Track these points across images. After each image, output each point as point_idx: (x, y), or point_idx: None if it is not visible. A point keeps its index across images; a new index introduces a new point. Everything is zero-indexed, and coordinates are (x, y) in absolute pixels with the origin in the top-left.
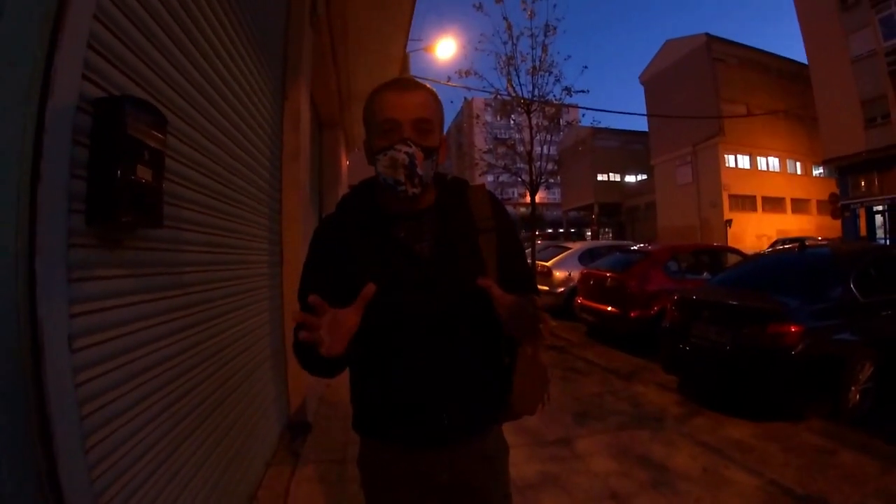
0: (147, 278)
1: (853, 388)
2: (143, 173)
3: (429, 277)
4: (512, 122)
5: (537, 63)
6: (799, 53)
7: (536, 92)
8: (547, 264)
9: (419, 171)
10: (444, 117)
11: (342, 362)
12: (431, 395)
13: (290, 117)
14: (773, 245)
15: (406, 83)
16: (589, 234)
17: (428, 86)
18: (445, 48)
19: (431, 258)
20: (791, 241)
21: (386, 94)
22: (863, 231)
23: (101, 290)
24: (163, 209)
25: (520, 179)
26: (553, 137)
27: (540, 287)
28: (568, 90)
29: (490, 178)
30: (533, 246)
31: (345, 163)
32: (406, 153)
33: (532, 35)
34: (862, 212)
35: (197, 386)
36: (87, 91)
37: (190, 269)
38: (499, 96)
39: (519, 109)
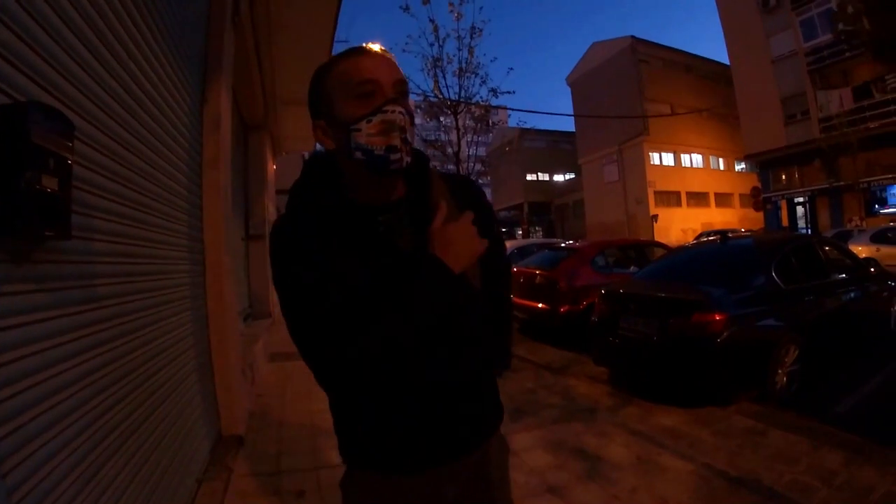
0: (57, 292)
1: (779, 372)
2: (49, 182)
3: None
4: (440, 123)
5: (464, 65)
6: (721, 54)
7: (463, 93)
8: None
9: (409, 136)
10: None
11: None
12: (439, 407)
13: (210, 120)
14: (697, 238)
15: (373, 46)
16: (520, 232)
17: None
18: None
19: (415, 253)
20: (715, 233)
21: (354, 57)
22: (785, 222)
23: (9, 306)
24: (71, 219)
25: None
26: (481, 139)
27: None
28: (494, 91)
29: None
30: None
31: (272, 167)
32: (401, 112)
33: (458, 37)
34: (783, 204)
35: (117, 403)
36: None
37: (103, 281)
38: (426, 98)
39: (446, 111)
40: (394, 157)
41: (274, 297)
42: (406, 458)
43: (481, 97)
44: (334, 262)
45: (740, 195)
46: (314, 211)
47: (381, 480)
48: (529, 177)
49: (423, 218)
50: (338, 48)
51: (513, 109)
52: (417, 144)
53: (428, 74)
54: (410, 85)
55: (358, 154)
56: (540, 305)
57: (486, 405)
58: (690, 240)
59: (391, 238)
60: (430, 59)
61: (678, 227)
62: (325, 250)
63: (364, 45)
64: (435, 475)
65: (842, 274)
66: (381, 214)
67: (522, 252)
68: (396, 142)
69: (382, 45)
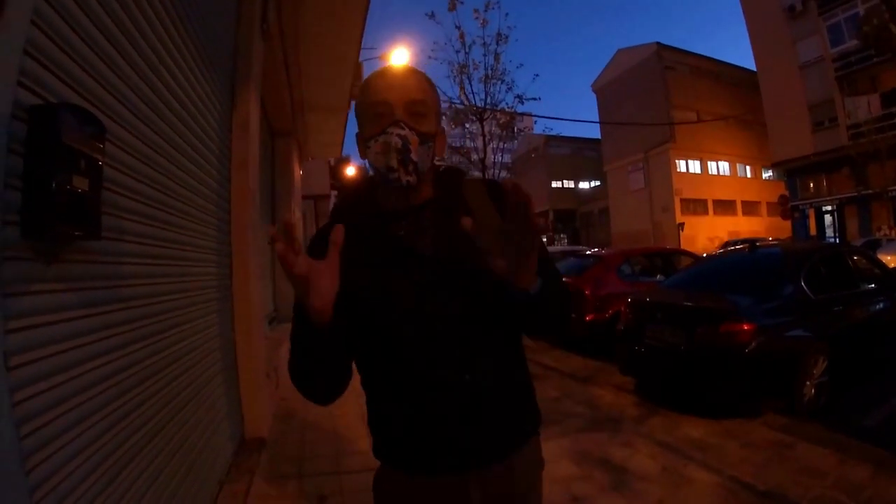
0: (86, 292)
1: (808, 383)
2: (80, 183)
3: (434, 278)
4: (465, 130)
5: (489, 71)
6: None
7: (489, 100)
8: None
9: (413, 156)
10: (440, 105)
11: (336, 363)
12: (459, 417)
13: (239, 125)
14: (723, 246)
15: (397, 67)
16: (545, 240)
17: (420, 71)
18: (399, 57)
19: (435, 257)
20: (741, 242)
21: (376, 78)
22: (812, 231)
23: (39, 305)
24: (101, 220)
25: None
26: (506, 145)
27: None
28: (520, 98)
29: None
30: None
31: (298, 172)
32: (399, 136)
33: (484, 43)
34: (811, 212)
35: (143, 403)
36: (23, 98)
37: (132, 282)
38: (452, 105)
39: (472, 118)
40: (392, 176)
41: None
42: (432, 461)
43: (507, 103)
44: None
45: (767, 203)
46: (343, 219)
47: (409, 480)
48: (555, 184)
49: (446, 222)
50: (364, 55)
51: (538, 116)
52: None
53: (454, 81)
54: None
55: (372, 168)
56: None
57: (515, 411)
58: (716, 248)
59: (411, 242)
60: (457, 66)
61: (705, 235)
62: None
63: (391, 64)
64: (461, 479)
65: (871, 284)
66: (404, 219)
67: None
68: (393, 163)
69: (409, 51)
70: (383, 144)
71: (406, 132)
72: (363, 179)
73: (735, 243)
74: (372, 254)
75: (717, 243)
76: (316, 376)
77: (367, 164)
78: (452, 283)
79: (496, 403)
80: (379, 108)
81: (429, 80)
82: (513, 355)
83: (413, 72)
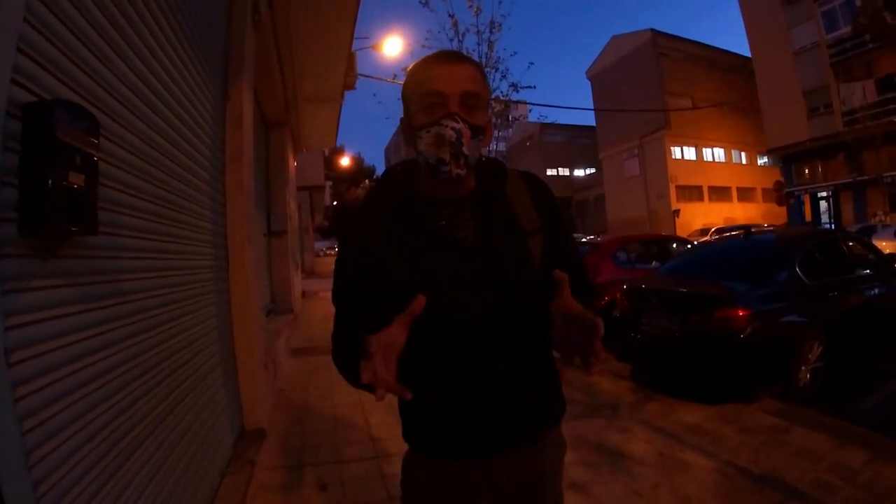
0: (84, 287)
1: (803, 368)
2: (76, 179)
3: (475, 270)
4: None
5: (483, 59)
6: (742, 47)
7: None
8: None
9: (465, 150)
10: (490, 96)
11: None
12: (488, 404)
13: (232, 117)
14: (717, 233)
15: (452, 54)
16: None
17: (473, 59)
18: (392, 46)
19: (476, 249)
20: (732, 229)
21: (430, 65)
22: (808, 217)
23: (37, 301)
24: (97, 215)
25: None
26: (501, 134)
27: None
28: (515, 86)
29: None
30: None
31: (292, 163)
32: (453, 129)
33: (478, 31)
34: (807, 198)
35: (143, 397)
36: (17, 95)
37: (129, 276)
38: None
39: None
40: (442, 168)
41: (296, 292)
42: (461, 446)
43: (501, 92)
44: (375, 255)
45: (763, 190)
46: (382, 204)
47: (437, 463)
48: (550, 172)
49: (487, 213)
50: (357, 45)
51: (533, 104)
52: None
53: None
54: None
55: (420, 157)
56: None
57: (545, 398)
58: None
59: (452, 232)
60: None
61: (700, 222)
62: (377, 241)
63: (443, 50)
64: (489, 463)
65: (866, 269)
66: (445, 208)
67: None
68: (445, 155)
69: (403, 40)
70: (436, 136)
71: (460, 125)
72: (401, 165)
73: (723, 231)
74: (411, 242)
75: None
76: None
77: (418, 153)
78: (491, 275)
79: (528, 391)
80: (433, 99)
81: (482, 71)
82: (543, 344)
83: (467, 61)
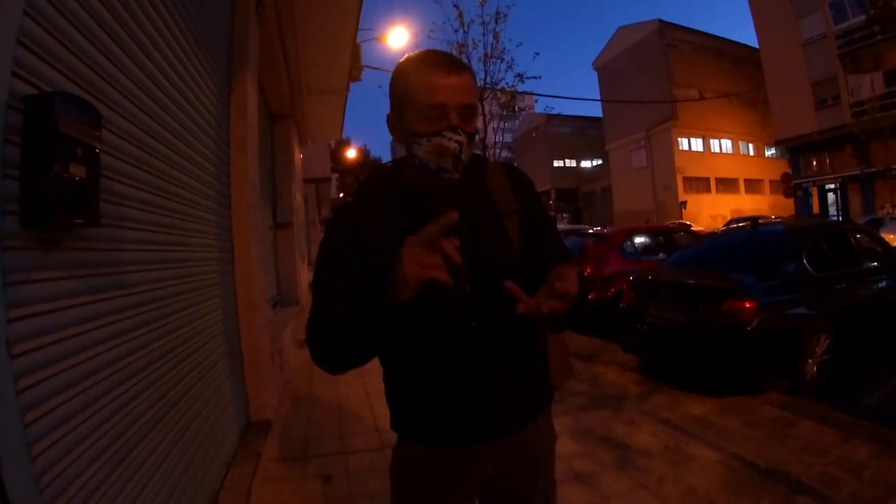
0: (87, 279)
1: (810, 361)
2: (77, 171)
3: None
4: None
5: (489, 50)
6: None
7: (489, 79)
8: None
9: (464, 157)
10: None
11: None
12: (473, 391)
13: (237, 109)
14: (727, 224)
15: (450, 63)
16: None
17: (469, 66)
18: (397, 37)
19: (457, 227)
20: (745, 220)
21: (430, 73)
22: (815, 209)
23: (40, 293)
24: (100, 207)
25: None
26: (507, 125)
27: None
28: (520, 77)
29: None
30: None
31: (298, 155)
32: (457, 142)
33: (483, 22)
34: (814, 190)
35: (147, 388)
36: (18, 88)
37: (133, 268)
38: None
39: None
40: (444, 175)
41: (302, 284)
42: (447, 434)
43: (507, 83)
44: (360, 244)
45: (770, 181)
46: (368, 197)
47: (426, 452)
48: (556, 163)
49: (470, 204)
50: (362, 36)
51: (539, 95)
52: None
53: None
54: None
55: (415, 161)
56: None
57: (531, 388)
58: (720, 226)
59: (436, 215)
60: (456, 46)
61: (707, 213)
62: (363, 230)
63: (439, 53)
64: (476, 451)
65: (874, 262)
66: (431, 197)
67: None
68: (447, 164)
69: (408, 30)
70: (438, 146)
71: (462, 137)
72: (388, 164)
73: (738, 221)
74: (399, 230)
75: (720, 221)
76: (358, 346)
77: (413, 156)
78: (475, 263)
79: (512, 378)
80: (434, 112)
81: (475, 78)
82: (529, 331)
83: (465, 71)
